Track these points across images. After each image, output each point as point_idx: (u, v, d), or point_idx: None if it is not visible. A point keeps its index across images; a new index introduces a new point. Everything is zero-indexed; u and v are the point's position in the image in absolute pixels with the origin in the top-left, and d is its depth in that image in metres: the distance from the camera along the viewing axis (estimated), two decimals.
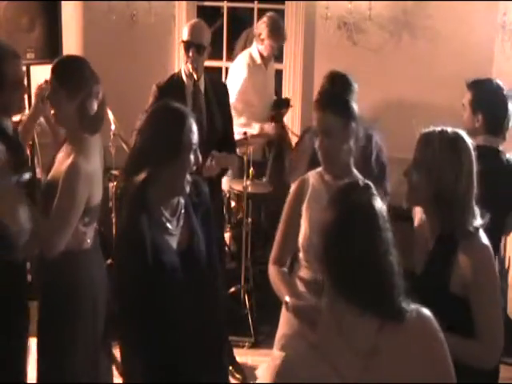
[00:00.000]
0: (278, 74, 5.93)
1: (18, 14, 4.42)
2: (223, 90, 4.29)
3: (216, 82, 4.39)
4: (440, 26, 5.55)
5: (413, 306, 1.77)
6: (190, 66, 4.00)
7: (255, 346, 4.42)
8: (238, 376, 4.14)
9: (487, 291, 2.29)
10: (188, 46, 4.00)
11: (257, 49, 5.22)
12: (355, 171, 2.81)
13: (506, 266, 4.54)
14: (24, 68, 4.41)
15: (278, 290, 2.73)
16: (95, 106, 2.90)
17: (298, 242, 2.79)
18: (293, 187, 2.87)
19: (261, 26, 5.13)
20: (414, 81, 5.56)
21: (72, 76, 2.90)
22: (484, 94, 3.39)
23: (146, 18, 5.56)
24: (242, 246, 4.89)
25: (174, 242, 2.46)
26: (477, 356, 2.28)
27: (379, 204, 1.77)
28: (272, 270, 2.82)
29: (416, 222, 2.57)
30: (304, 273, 2.80)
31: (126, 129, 4.24)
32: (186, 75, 4.07)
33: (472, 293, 2.28)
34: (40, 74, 4.56)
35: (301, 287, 2.80)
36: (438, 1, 5.47)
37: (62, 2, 4.78)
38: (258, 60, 5.21)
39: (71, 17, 5.52)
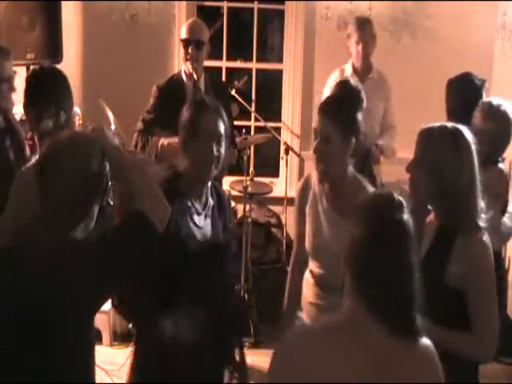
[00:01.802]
0: (278, 74, 5.95)
1: (18, 13, 4.41)
2: (223, 90, 4.29)
3: (216, 82, 4.40)
4: (440, 26, 5.55)
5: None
6: (189, 66, 4.00)
7: (255, 345, 4.42)
8: (237, 376, 4.13)
9: (483, 285, 2.30)
10: (187, 43, 4.01)
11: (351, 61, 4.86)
12: (352, 180, 2.77)
13: (506, 266, 4.54)
14: (24, 68, 4.42)
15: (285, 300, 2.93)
16: None
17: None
18: (297, 187, 2.92)
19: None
20: (414, 81, 5.56)
21: None
22: None
23: (145, 17, 5.56)
24: (242, 245, 4.90)
25: (198, 235, 2.57)
26: (472, 349, 2.29)
27: (409, 220, 1.76)
28: (289, 274, 2.98)
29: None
30: (312, 268, 2.85)
31: (126, 129, 4.24)
32: (186, 75, 4.08)
33: (468, 286, 2.29)
34: None
35: (311, 281, 2.84)
36: (438, 1, 5.47)
37: (62, 2, 4.77)
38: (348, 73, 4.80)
39: (71, 17, 5.51)
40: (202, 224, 2.58)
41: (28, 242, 2.03)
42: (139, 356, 2.58)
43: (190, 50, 3.99)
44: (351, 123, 2.65)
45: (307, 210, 2.80)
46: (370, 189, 2.75)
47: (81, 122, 4.40)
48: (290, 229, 5.05)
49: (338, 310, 1.80)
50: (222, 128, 2.57)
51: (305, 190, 2.84)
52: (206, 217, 2.60)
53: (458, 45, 5.54)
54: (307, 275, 2.87)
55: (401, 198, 1.80)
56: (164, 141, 3.85)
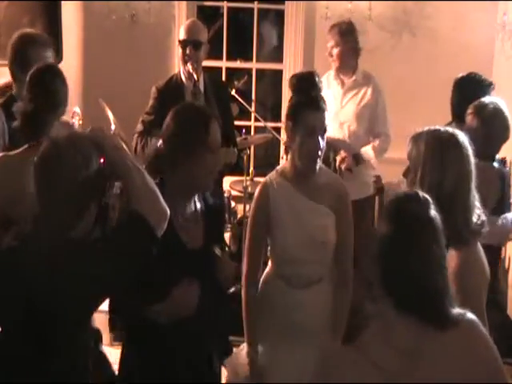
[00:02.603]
0: (278, 74, 5.95)
1: (19, 13, 4.42)
2: (223, 89, 4.29)
3: (215, 81, 4.40)
4: (440, 26, 5.55)
5: (460, 312, 1.81)
6: (189, 66, 4.00)
7: None
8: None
9: (468, 304, 2.14)
10: (185, 44, 4.01)
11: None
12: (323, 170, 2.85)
13: (506, 266, 4.54)
14: None
15: (246, 327, 2.85)
16: None
17: (276, 244, 2.83)
18: (256, 192, 2.87)
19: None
20: (414, 81, 5.56)
21: None
22: None
23: (145, 17, 5.56)
24: (242, 245, 4.89)
25: (189, 241, 2.48)
26: None
27: (437, 216, 1.79)
28: (248, 298, 2.87)
29: None
30: (285, 269, 2.83)
31: (125, 129, 4.24)
32: (185, 76, 4.08)
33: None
34: None
35: (278, 280, 2.84)
36: (438, 1, 5.47)
37: (62, 2, 4.78)
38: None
39: (71, 17, 5.52)
40: (191, 232, 2.50)
41: (28, 241, 2.03)
42: (130, 358, 2.55)
43: (187, 51, 3.99)
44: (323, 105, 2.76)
45: (272, 211, 2.79)
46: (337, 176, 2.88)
47: (81, 121, 4.40)
48: None
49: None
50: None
51: (265, 195, 2.81)
52: (196, 221, 2.53)
53: (458, 45, 5.54)
54: (276, 282, 2.85)
55: (426, 196, 1.82)
56: (160, 143, 3.82)
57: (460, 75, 4.01)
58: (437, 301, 1.75)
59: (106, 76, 5.57)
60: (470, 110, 3.53)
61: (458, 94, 3.88)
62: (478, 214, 2.35)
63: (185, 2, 5.64)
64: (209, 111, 2.57)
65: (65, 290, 1.95)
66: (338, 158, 4.42)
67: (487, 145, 3.42)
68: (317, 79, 2.78)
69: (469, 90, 3.82)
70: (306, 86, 2.74)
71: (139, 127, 4.07)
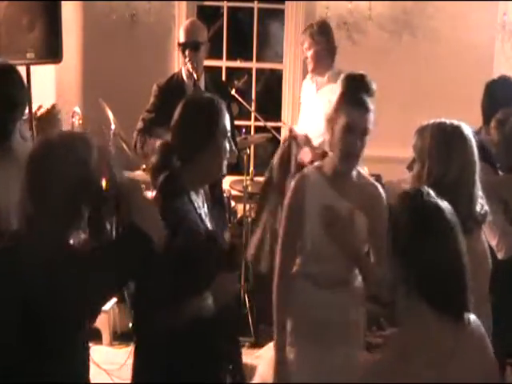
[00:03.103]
0: (279, 74, 5.95)
1: (19, 13, 4.40)
2: (223, 89, 4.29)
3: (216, 81, 4.41)
4: (440, 26, 5.55)
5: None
6: (189, 66, 4.01)
7: (255, 345, 4.42)
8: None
9: (480, 283, 2.29)
10: (184, 46, 4.03)
11: None
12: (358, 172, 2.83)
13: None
14: (24, 68, 4.42)
15: (276, 321, 2.80)
16: None
17: (305, 239, 2.79)
18: (292, 185, 2.86)
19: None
20: (414, 81, 5.56)
21: None
22: None
23: (145, 17, 5.56)
24: (242, 245, 4.89)
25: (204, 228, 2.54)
26: None
27: (448, 207, 1.81)
28: (278, 289, 2.82)
29: None
30: (312, 267, 2.80)
31: (126, 129, 4.24)
32: (187, 75, 4.09)
33: None
34: (40, 74, 4.56)
35: (305, 280, 2.81)
36: (438, 1, 5.47)
37: (62, 2, 4.76)
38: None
39: (71, 17, 5.52)
40: (205, 218, 2.56)
41: (23, 242, 2.02)
42: (144, 355, 2.55)
43: (187, 53, 4.01)
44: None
45: (307, 205, 2.76)
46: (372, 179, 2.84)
47: (81, 121, 4.41)
48: None
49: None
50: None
51: (301, 187, 2.80)
52: (204, 213, 2.59)
53: (458, 45, 5.54)
54: (302, 282, 2.82)
55: (429, 190, 1.84)
56: (159, 142, 3.80)
57: (491, 79, 3.97)
58: (463, 294, 1.76)
59: (106, 76, 5.57)
60: (492, 123, 3.52)
61: (489, 98, 3.84)
62: (481, 203, 2.42)
63: (185, 2, 5.64)
64: (218, 99, 2.60)
65: (62, 292, 1.94)
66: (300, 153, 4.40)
67: (510, 158, 3.43)
68: (368, 80, 2.77)
69: (500, 93, 3.78)
70: (356, 86, 2.74)
71: (139, 125, 4.09)
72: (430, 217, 1.77)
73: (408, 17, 5.59)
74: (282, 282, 2.82)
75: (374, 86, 2.74)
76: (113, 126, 4.66)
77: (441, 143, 2.38)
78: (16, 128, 2.89)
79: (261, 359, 2.96)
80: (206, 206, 2.62)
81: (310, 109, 4.56)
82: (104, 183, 2.11)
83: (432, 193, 1.82)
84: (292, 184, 2.87)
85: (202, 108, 2.55)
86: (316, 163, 2.90)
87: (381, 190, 2.78)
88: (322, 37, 4.38)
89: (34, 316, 1.94)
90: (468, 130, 2.42)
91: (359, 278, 2.80)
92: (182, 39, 4.07)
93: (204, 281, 2.40)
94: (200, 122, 2.49)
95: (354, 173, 2.77)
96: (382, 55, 5.58)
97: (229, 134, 2.54)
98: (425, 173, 2.38)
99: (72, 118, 4.46)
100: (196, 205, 2.53)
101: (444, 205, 1.80)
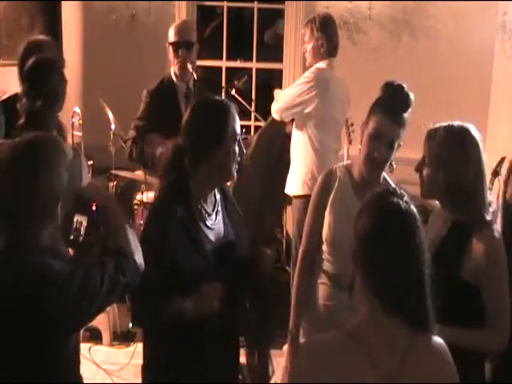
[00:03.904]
0: (279, 74, 5.94)
1: (18, 13, 4.42)
2: (214, 87, 4.29)
3: (204, 79, 4.37)
4: (440, 25, 5.55)
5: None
6: (189, 67, 3.99)
7: None
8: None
9: (499, 279, 2.37)
10: (178, 46, 4.00)
11: None
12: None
13: None
14: None
15: (293, 306, 2.85)
16: None
17: (322, 235, 2.80)
18: (320, 178, 2.87)
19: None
20: (414, 81, 5.55)
21: None
22: None
23: (145, 17, 5.56)
24: None
25: (211, 236, 2.52)
26: (488, 343, 2.38)
27: (415, 210, 1.76)
28: (298, 273, 2.86)
29: None
30: (327, 266, 2.81)
31: (126, 129, 4.24)
32: (177, 77, 4.07)
33: (484, 280, 2.35)
34: None
35: (324, 280, 2.82)
36: (438, 1, 5.47)
37: (62, 2, 4.78)
38: None
39: (71, 17, 5.52)
40: (214, 225, 2.54)
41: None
42: (152, 354, 2.56)
43: (180, 53, 3.98)
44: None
45: (329, 202, 2.77)
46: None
47: (81, 121, 4.40)
48: (290, 228, 5.05)
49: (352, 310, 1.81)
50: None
51: (328, 182, 2.81)
52: (216, 215, 2.57)
53: (458, 45, 5.54)
54: (321, 278, 2.83)
55: (402, 190, 1.80)
56: (159, 150, 3.77)
57: None
58: (422, 299, 1.72)
59: (106, 76, 5.57)
60: None
61: None
62: (491, 211, 2.45)
63: (185, 2, 5.64)
64: (226, 101, 2.61)
65: (47, 301, 1.94)
66: None
67: None
68: (407, 92, 2.69)
69: None
70: (394, 95, 2.68)
71: (132, 133, 4.03)
72: (390, 218, 1.74)
73: (408, 17, 5.59)
74: (303, 267, 2.86)
75: (411, 97, 2.68)
76: (113, 126, 4.66)
77: (457, 145, 2.40)
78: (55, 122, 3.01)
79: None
80: (219, 208, 2.59)
81: None
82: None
83: (401, 192, 1.79)
84: (320, 177, 2.88)
85: (210, 111, 2.54)
86: (347, 161, 2.91)
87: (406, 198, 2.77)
88: (323, 34, 4.31)
89: (22, 320, 1.94)
90: (477, 133, 2.43)
91: None
92: (174, 39, 4.02)
93: (186, 287, 2.39)
94: (209, 124, 2.48)
95: (381, 180, 2.75)
96: (382, 55, 5.58)
97: (238, 138, 2.53)
98: (440, 178, 2.40)
99: (72, 118, 4.46)
100: (203, 211, 2.50)
101: (411, 207, 1.76)
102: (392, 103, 2.66)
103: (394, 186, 2.79)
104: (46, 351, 2.00)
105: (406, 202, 1.77)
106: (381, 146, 2.65)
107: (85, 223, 2.26)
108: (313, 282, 2.85)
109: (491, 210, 2.45)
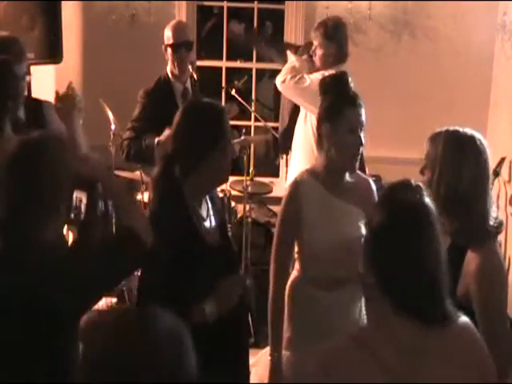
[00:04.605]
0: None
1: (18, 13, 4.40)
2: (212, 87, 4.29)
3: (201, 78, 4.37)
4: (440, 25, 5.55)
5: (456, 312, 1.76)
6: (190, 67, 4.00)
7: (255, 345, 4.41)
8: None
9: (490, 302, 2.22)
10: (177, 47, 3.98)
11: None
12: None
13: (506, 266, 4.54)
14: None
15: (271, 329, 2.80)
16: None
17: (305, 244, 2.79)
18: (286, 191, 2.86)
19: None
20: (414, 81, 5.56)
21: None
22: None
23: (145, 17, 5.55)
24: (242, 245, 4.90)
25: (209, 240, 2.49)
26: None
27: (431, 203, 1.73)
28: (273, 287, 2.82)
29: None
30: (312, 271, 2.81)
31: (125, 129, 4.23)
32: (174, 76, 4.06)
33: (475, 304, 2.22)
34: (40, 74, 4.56)
35: (306, 287, 2.81)
36: (438, 1, 5.47)
37: (62, 2, 4.76)
38: None
39: (71, 17, 5.51)
40: (210, 229, 2.52)
41: (2, 240, 2.04)
42: None
43: (179, 54, 3.97)
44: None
45: (304, 210, 2.76)
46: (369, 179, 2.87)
47: (81, 121, 4.39)
48: None
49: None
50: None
51: (296, 192, 2.79)
52: (209, 218, 2.54)
53: (458, 45, 5.54)
54: (303, 286, 2.83)
55: (418, 183, 1.77)
56: (158, 139, 3.76)
57: None
58: (435, 296, 1.69)
59: (106, 76, 5.57)
60: None
61: None
62: (495, 216, 2.35)
63: (185, 2, 5.63)
64: (218, 103, 2.57)
65: (41, 292, 1.95)
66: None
67: None
68: (349, 78, 2.77)
69: None
70: (341, 85, 2.73)
71: (128, 134, 4.01)
72: (403, 212, 1.70)
73: (408, 17, 5.59)
74: (277, 289, 2.81)
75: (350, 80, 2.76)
76: (113, 126, 4.66)
77: (454, 151, 2.32)
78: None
79: (258, 362, 2.96)
80: (211, 212, 2.56)
81: None
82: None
83: (416, 185, 1.75)
84: (286, 190, 2.87)
85: (204, 115, 2.47)
86: (306, 167, 2.91)
87: (371, 182, 2.83)
88: (333, 42, 4.27)
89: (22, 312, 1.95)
90: (482, 141, 2.36)
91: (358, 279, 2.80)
92: (173, 39, 4.01)
93: (203, 287, 2.37)
94: (203, 129, 2.41)
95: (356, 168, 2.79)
96: (382, 55, 5.58)
97: (230, 138, 2.50)
98: (435, 181, 2.33)
99: None
100: (199, 217, 2.47)
101: (425, 200, 1.72)
102: (346, 93, 2.71)
103: (361, 174, 2.84)
104: (56, 348, 2.02)
105: (421, 194, 1.73)
106: (358, 135, 2.69)
107: (84, 200, 2.25)
108: (283, 298, 2.82)
109: (493, 222, 2.32)
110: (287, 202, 2.81)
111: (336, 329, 2.71)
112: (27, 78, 3.28)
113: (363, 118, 2.70)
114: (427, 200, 1.73)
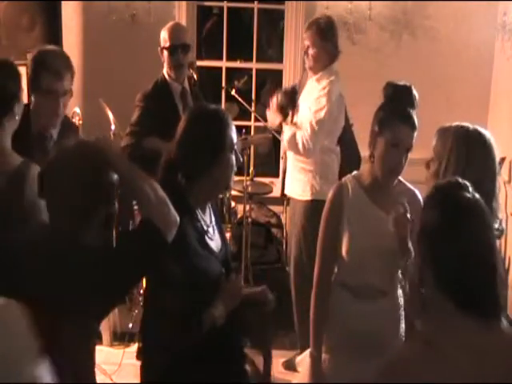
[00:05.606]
0: (279, 74, 5.94)
1: (18, 13, 4.42)
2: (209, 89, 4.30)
3: (200, 81, 4.36)
4: (440, 25, 5.55)
5: None
6: (190, 70, 4.00)
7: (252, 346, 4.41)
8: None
9: None
10: (174, 49, 3.98)
11: None
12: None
13: (506, 266, 4.54)
14: (24, 68, 4.42)
15: (313, 327, 2.79)
16: None
17: (342, 250, 2.75)
18: (330, 193, 2.82)
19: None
20: (414, 81, 5.55)
21: None
22: None
23: (145, 17, 5.55)
24: (242, 245, 4.90)
25: (214, 247, 2.49)
26: None
27: (481, 201, 1.73)
28: (316, 292, 2.80)
29: None
30: (350, 279, 2.77)
31: (125, 128, 4.23)
32: (171, 78, 4.06)
33: None
34: None
35: (344, 292, 2.79)
36: (438, 1, 5.47)
37: (62, 2, 4.77)
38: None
39: (71, 17, 5.51)
40: (213, 236, 2.51)
41: (39, 247, 2.09)
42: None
43: (177, 56, 3.97)
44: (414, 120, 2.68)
45: (345, 215, 2.73)
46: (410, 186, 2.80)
47: (81, 121, 4.40)
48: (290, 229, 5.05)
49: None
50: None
51: (340, 196, 2.76)
52: (213, 226, 2.53)
53: (458, 45, 5.55)
54: (341, 292, 2.79)
55: (466, 182, 1.78)
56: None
57: None
58: (495, 292, 1.69)
59: (106, 76, 5.57)
60: None
61: None
62: (499, 219, 2.39)
63: (185, 2, 5.63)
64: (222, 110, 2.52)
65: (73, 293, 2.00)
66: None
67: None
68: (414, 93, 2.70)
69: None
70: (403, 98, 2.67)
71: (128, 140, 3.98)
72: (460, 212, 1.70)
73: (408, 17, 5.59)
74: (320, 290, 2.79)
75: (417, 97, 2.68)
76: (113, 126, 4.66)
77: (461, 145, 2.35)
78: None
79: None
80: (213, 219, 2.55)
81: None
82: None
83: (464, 183, 1.75)
84: (330, 192, 2.83)
85: (208, 122, 2.43)
86: (354, 172, 2.86)
87: (419, 195, 2.74)
88: (325, 42, 4.23)
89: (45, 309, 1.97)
90: (491, 140, 2.38)
91: (399, 289, 2.78)
92: (170, 42, 4.00)
93: (210, 293, 2.37)
94: (207, 137, 2.39)
95: (394, 184, 2.75)
96: (382, 55, 5.58)
97: (235, 147, 2.45)
98: (441, 171, 2.35)
99: (72, 119, 4.45)
100: (202, 223, 2.46)
101: (476, 197, 1.73)
102: (404, 107, 2.63)
103: (407, 184, 2.80)
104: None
105: (472, 193, 1.73)
106: (401, 153, 2.63)
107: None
108: (328, 299, 2.80)
109: (498, 226, 2.35)
110: (330, 202, 2.80)
111: (372, 339, 2.70)
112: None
113: (413, 140, 2.63)
114: (478, 196, 1.73)
